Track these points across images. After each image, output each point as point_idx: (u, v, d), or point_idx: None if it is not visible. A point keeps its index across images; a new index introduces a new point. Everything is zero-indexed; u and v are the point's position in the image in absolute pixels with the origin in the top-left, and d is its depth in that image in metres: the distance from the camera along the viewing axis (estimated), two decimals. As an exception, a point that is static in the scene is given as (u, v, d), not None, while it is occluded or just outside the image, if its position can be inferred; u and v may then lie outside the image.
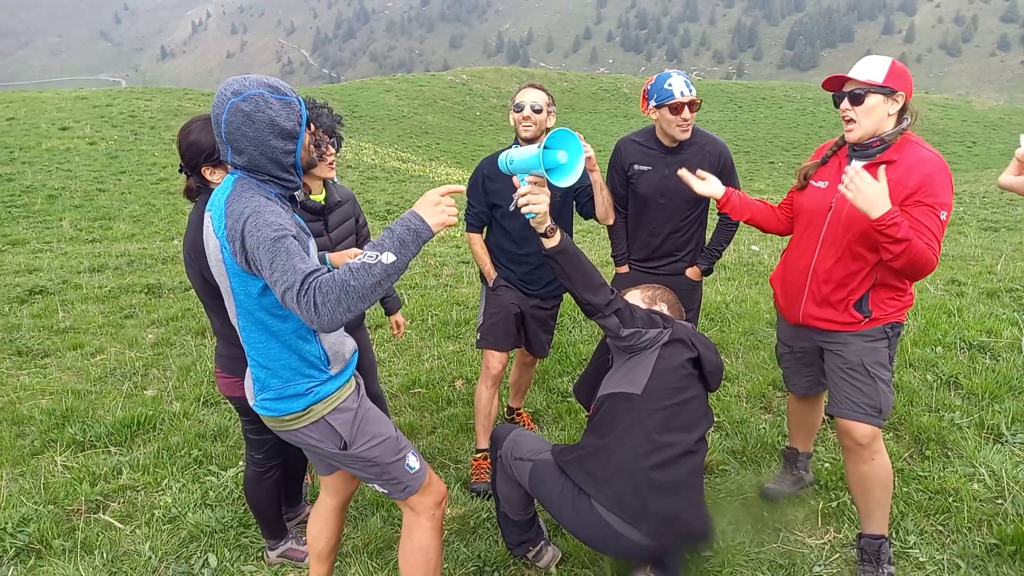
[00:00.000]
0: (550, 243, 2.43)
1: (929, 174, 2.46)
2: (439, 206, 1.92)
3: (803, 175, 2.82)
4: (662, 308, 2.81)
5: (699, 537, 2.48)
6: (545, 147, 2.18)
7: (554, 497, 2.46)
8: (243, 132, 1.93)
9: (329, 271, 1.83)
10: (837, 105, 2.61)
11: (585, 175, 3.34)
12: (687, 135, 3.30)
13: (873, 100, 2.51)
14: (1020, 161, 1.93)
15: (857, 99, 2.53)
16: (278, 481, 2.93)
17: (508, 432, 2.74)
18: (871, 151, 2.60)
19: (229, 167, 2.07)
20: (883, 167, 2.45)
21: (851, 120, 2.56)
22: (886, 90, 2.49)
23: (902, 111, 2.56)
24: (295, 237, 1.89)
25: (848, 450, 2.74)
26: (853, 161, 2.65)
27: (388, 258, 1.80)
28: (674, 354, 2.54)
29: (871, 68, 2.52)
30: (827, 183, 2.72)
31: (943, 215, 2.45)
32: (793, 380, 3.14)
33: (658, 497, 2.34)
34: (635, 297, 2.86)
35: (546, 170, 2.20)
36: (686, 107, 3.21)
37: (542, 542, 2.85)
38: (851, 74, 2.55)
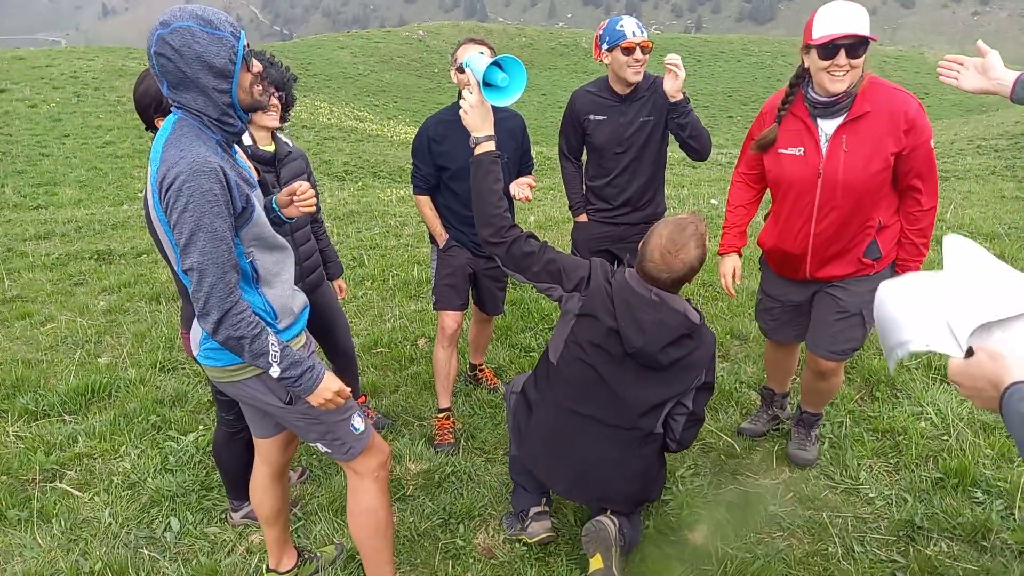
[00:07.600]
0: (476, 151, 2.41)
1: (916, 111, 2.49)
2: (331, 397, 2.05)
3: (764, 143, 2.71)
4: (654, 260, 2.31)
5: (620, 502, 2.52)
6: (495, 63, 2.25)
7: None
8: (175, 65, 1.81)
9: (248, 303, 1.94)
10: (829, 57, 2.40)
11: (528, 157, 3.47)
12: (639, 77, 3.26)
13: (864, 53, 2.41)
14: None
15: (855, 52, 2.39)
16: (248, 442, 2.90)
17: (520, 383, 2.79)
18: (839, 107, 2.51)
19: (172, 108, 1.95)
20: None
21: (845, 73, 2.42)
22: (870, 41, 2.40)
23: None
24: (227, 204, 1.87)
25: (812, 372, 2.96)
26: (819, 122, 2.56)
27: (275, 371, 1.95)
28: (586, 327, 2.41)
29: (859, 19, 2.36)
30: (803, 149, 2.61)
31: (931, 143, 2.53)
32: (780, 332, 3.11)
33: (562, 462, 2.48)
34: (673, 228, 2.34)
35: (485, 84, 2.28)
36: (638, 48, 3.18)
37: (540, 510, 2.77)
38: (853, 29, 2.35)
